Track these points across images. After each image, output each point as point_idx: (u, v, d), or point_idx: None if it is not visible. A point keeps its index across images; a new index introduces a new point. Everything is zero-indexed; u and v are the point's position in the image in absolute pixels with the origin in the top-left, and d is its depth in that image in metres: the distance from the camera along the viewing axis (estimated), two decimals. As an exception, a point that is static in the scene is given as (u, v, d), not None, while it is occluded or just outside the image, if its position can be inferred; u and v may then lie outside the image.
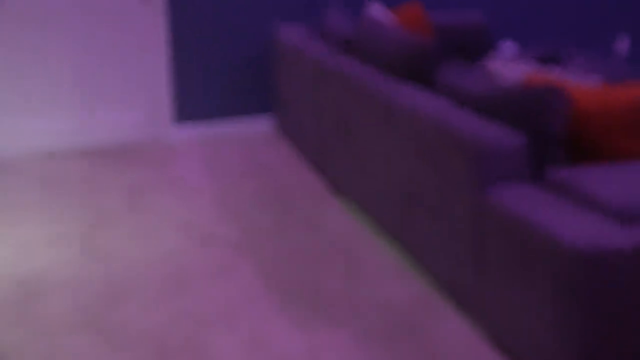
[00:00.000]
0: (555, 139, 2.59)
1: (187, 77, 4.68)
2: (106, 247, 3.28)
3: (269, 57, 4.79)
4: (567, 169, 2.51)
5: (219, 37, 4.65)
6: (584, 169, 2.49)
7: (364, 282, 2.99)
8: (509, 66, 3.03)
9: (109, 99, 4.57)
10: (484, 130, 2.56)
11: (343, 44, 3.95)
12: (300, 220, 3.56)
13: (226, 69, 4.73)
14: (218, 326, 2.67)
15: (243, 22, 4.68)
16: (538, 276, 2.25)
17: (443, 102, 2.92)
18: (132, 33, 4.53)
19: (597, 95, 2.69)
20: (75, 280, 3.00)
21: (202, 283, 2.99)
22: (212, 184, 3.99)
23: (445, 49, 4.84)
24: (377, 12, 3.98)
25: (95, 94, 4.53)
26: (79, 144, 4.56)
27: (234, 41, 4.69)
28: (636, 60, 5.55)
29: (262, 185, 3.96)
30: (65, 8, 4.36)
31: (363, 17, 3.79)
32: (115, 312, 2.77)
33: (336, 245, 3.30)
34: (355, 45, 3.76)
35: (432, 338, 2.59)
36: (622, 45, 5.46)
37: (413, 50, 3.23)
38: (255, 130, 4.88)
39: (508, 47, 5.34)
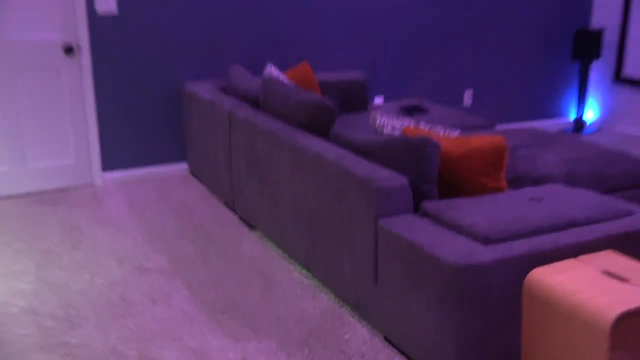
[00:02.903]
0: (431, 179, 2.66)
1: (112, 128, 4.55)
2: (56, 280, 3.18)
3: (181, 110, 4.72)
4: (440, 202, 2.58)
5: (137, 92, 4.56)
6: (452, 201, 2.58)
7: (281, 299, 3.01)
8: (389, 119, 3.18)
9: (42, 148, 4.40)
10: (377, 173, 2.62)
11: (250, 99, 3.91)
12: (220, 249, 3.53)
13: (145, 120, 4.63)
14: (164, 341, 2.66)
15: (158, 79, 4.60)
16: (423, 286, 2.33)
17: (342, 150, 2.95)
18: (61, 86, 4.36)
19: (459, 143, 2.77)
20: (34, 308, 2.91)
21: (144, 306, 2.94)
22: (139, 221, 3.91)
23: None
24: (274, 72, 3.96)
25: (28, 142, 4.36)
26: (16, 189, 4.38)
27: (150, 96, 4.61)
28: (477, 110, 5.84)
29: (182, 221, 3.91)
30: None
31: (264, 77, 3.76)
32: (74, 333, 2.71)
33: (254, 270, 3.30)
34: (261, 99, 3.75)
35: (341, 342, 2.66)
36: (467, 98, 5.78)
37: (318, 107, 3.25)
38: (171, 174, 4.78)
39: (378, 100, 5.38)
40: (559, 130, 6.00)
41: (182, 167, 4.81)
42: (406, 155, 2.68)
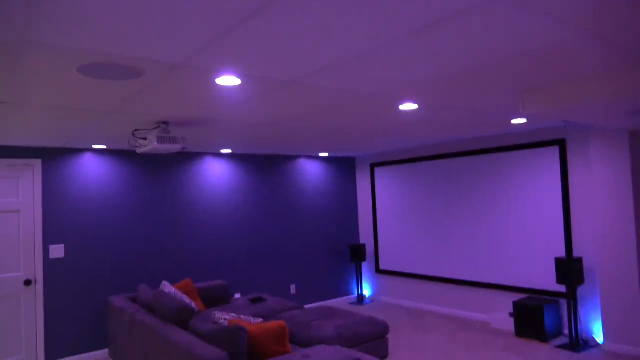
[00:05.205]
0: (242, 350, 2.66)
1: (54, 331, 4.15)
2: None
3: (106, 315, 4.46)
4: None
5: (73, 307, 4.26)
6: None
7: None
8: (222, 315, 3.24)
9: (0, 348, 3.88)
10: (210, 351, 2.61)
11: (147, 305, 3.80)
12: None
13: (77, 325, 4.28)
14: None
15: (89, 296, 4.33)
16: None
17: (191, 337, 2.88)
18: (20, 307, 4.03)
19: (260, 326, 2.84)
20: None
21: None
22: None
23: (204, 299, 4.59)
24: (167, 286, 3.89)
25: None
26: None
27: (83, 308, 4.33)
28: (298, 295, 5.79)
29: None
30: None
31: (157, 290, 3.70)
32: None
33: None
34: (153, 306, 3.64)
35: None
36: (293, 289, 5.77)
37: (180, 309, 3.21)
38: (97, 357, 4.37)
39: (237, 296, 5.34)
40: (349, 304, 6.00)
41: (105, 352, 4.42)
42: (227, 337, 2.71)
